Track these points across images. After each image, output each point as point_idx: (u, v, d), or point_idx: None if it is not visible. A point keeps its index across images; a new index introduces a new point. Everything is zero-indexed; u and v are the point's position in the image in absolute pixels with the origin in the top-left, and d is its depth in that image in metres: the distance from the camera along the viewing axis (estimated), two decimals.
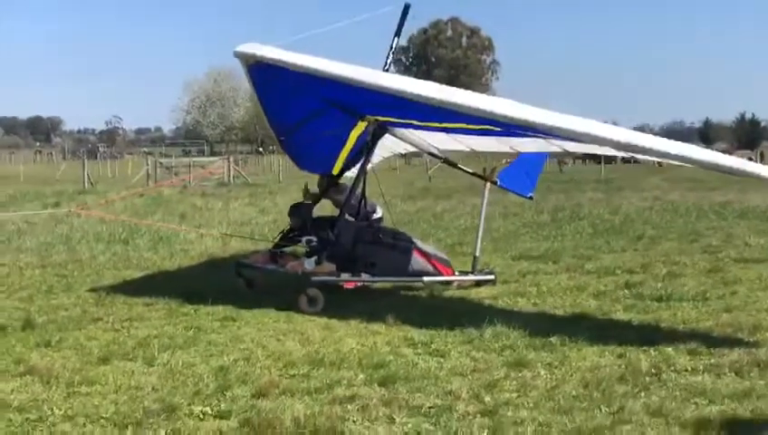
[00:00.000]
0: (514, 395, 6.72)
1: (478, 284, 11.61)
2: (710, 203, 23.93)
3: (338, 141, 11.95)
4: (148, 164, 44.25)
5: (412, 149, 13.58)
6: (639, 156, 10.26)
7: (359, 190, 11.71)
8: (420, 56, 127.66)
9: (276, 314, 9.87)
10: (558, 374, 7.29)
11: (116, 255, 14.84)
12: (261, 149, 79.05)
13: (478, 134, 10.76)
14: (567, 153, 12.12)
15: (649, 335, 8.53)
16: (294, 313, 9.88)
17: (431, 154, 13.36)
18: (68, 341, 8.58)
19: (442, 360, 7.84)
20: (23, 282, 12.11)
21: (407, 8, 10.71)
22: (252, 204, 26.64)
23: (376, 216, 12.91)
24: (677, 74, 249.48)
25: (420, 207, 24.64)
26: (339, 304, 10.10)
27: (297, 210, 11.75)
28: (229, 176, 41.29)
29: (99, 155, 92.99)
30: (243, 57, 9.20)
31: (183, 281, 12.14)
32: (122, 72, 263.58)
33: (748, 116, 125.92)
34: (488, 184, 12.36)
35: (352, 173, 12.22)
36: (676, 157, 8.21)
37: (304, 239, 11.08)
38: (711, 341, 8.23)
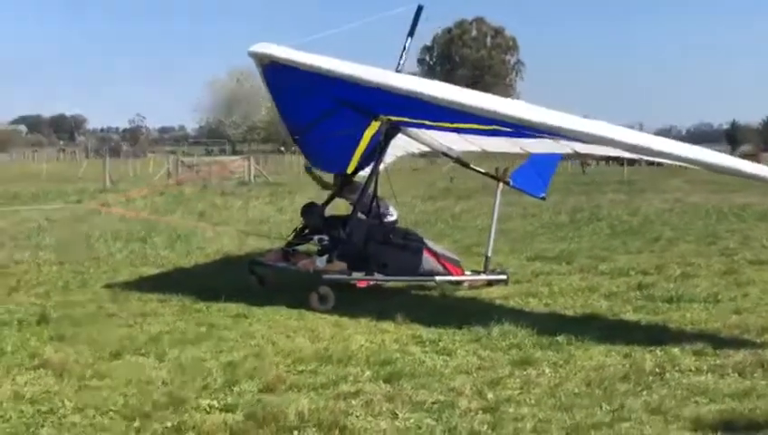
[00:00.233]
0: (517, 392, 6.80)
1: (490, 284, 11.66)
2: (730, 205, 23.85)
3: (352, 141, 12.05)
4: (168, 163, 44.60)
5: (425, 148, 13.64)
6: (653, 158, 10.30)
7: (371, 190, 11.78)
8: (444, 56, 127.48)
9: (288, 311, 9.98)
10: (562, 373, 7.35)
11: (133, 252, 15.02)
12: (283, 148, 79.25)
13: (489, 135, 10.82)
14: (577, 154, 12.15)
15: (657, 336, 8.57)
16: (306, 310, 9.98)
17: (444, 154, 13.43)
18: (82, 336, 8.72)
19: (448, 358, 7.92)
20: (40, 278, 12.28)
21: (420, 9, 10.79)
22: (271, 203, 26.80)
23: (391, 218, 12.96)
24: (706, 76, 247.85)
25: (439, 208, 24.72)
26: (350, 303, 10.19)
27: (309, 209, 11.86)
28: (250, 175, 41.52)
29: (121, 153, 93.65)
30: (257, 57, 9.32)
31: (198, 278, 12.28)
32: (147, 71, 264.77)
33: None
34: (501, 184, 12.43)
35: (366, 172, 12.31)
36: (678, 158, 8.27)
37: (316, 238, 11.19)
38: (718, 342, 8.25)
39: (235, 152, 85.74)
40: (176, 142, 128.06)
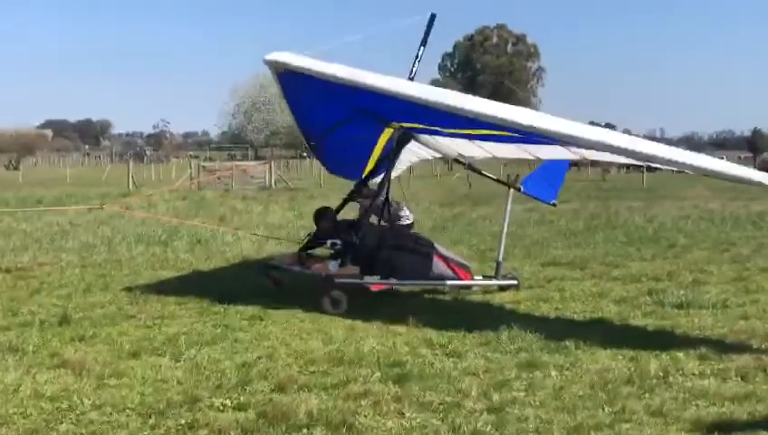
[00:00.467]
0: (522, 394, 6.98)
1: (502, 288, 11.83)
2: (748, 213, 23.89)
3: (367, 147, 12.25)
4: (191, 168, 45.01)
5: (438, 154, 13.82)
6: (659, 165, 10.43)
7: (383, 195, 11.97)
8: (466, 62, 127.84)
9: (303, 314, 10.18)
10: (568, 375, 7.51)
11: (154, 255, 15.28)
12: (305, 154, 79.61)
13: (499, 141, 10.99)
14: (591, 161, 12.30)
15: (664, 341, 8.72)
16: (320, 313, 10.19)
17: (455, 160, 13.60)
18: (101, 336, 8.96)
19: (458, 360, 8.10)
20: (63, 280, 12.55)
21: (433, 18, 10.95)
22: (291, 208, 27.01)
23: (407, 221, 13.17)
24: (729, 83, 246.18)
25: (457, 213, 24.87)
26: (363, 307, 10.38)
27: (322, 214, 12.07)
28: (270, 180, 41.84)
29: (145, 158, 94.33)
30: (272, 65, 9.53)
31: (217, 281, 12.52)
32: (171, 76, 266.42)
33: None
34: (511, 191, 12.60)
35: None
36: (683, 165, 8.43)
37: (329, 242, 11.39)
38: (723, 347, 8.39)
39: (257, 157, 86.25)
40: (199, 147, 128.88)
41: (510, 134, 9.70)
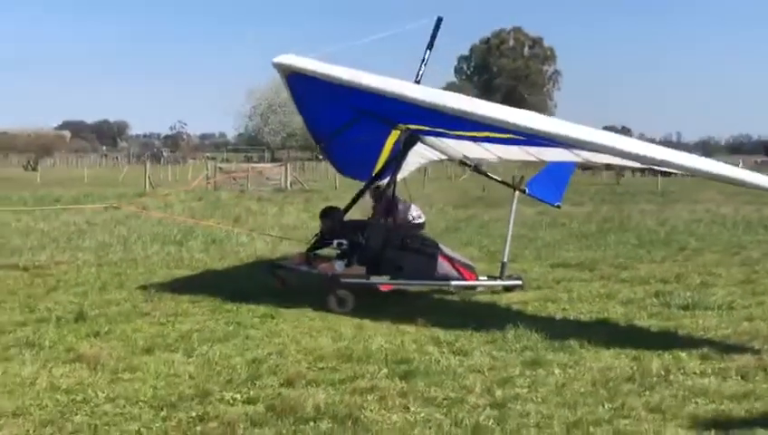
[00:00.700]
0: (525, 390, 7.15)
1: (507, 289, 11.99)
2: (760, 217, 23.99)
3: (375, 148, 12.42)
4: (207, 169, 45.31)
5: (444, 156, 13.95)
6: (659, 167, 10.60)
7: (388, 196, 12.11)
8: (482, 66, 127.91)
9: (313, 313, 10.36)
10: (571, 373, 7.67)
11: (169, 255, 15.50)
12: (320, 156, 79.82)
13: (504, 143, 11.14)
14: (591, 163, 12.42)
15: (667, 341, 8.88)
16: (330, 312, 10.36)
17: (461, 162, 13.71)
18: (116, 332, 9.17)
19: (463, 358, 8.26)
20: (79, 278, 12.77)
21: (439, 21, 11.06)
22: (306, 210, 27.20)
23: (419, 221, 13.33)
24: (746, 87, 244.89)
25: (470, 215, 25.03)
26: (373, 306, 10.56)
27: (327, 213, 12.25)
28: (286, 181, 42.08)
29: (162, 159, 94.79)
30: (280, 67, 9.69)
31: (230, 280, 12.72)
32: (189, 78, 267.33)
33: None
34: (516, 193, 12.75)
35: (399, 177, 12.67)
36: (683, 168, 8.61)
37: (335, 242, 11.55)
38: (725, 347, 8.54)
39: (273, 159, 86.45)
40: (216, 149, 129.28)
41: (513, 136, 9.85)
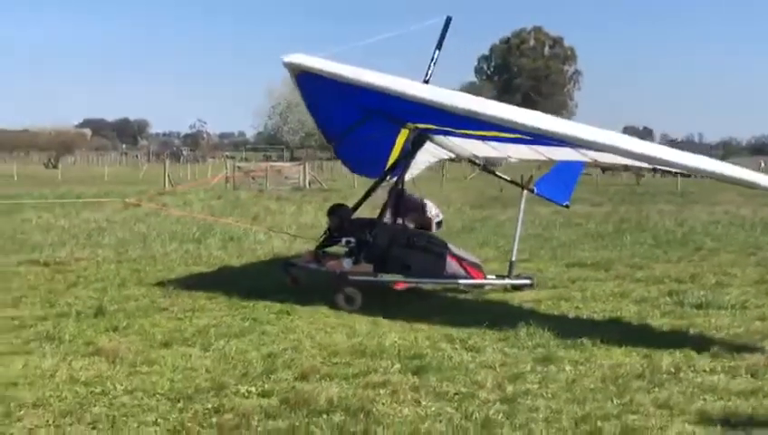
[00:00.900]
0: (535, 386, 7.25)
1: (515, 288, 12.08)
2: None
3: (386, 146, 12.50)
4: (226, 168, 45.57)
5: (452, 155, 14.01)
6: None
7: (396, 195, 12.20)
8: (502, 65, 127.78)
9: (328, 309, 10.47)
10: (581, 370, 7.77)
11: (188, 252, 15.67)
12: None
13: (511, 142, 11.21)
14: (603, 164, 12.48)
15: (679, 339, 8.95)
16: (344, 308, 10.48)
17: (470, 161, 13.73)
18: (134, 327, 9.33)
19: (476, 354, 8.37)
20: (99, 274, 12.95)
21: (448, 21, 11.11)
22: (323, 209, 27.25)
23: (437, 219, 13.42)
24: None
25: (487, 215, 25.10)
26: (388, 304, 10.68)
27: (335, 211, 12.35)
28: (304, 181, 42.26)
29: (182, 158, 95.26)
30: (290, 67, 9.78)
31: (247, 277, 12.84)
32: (209, 77, 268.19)
33: None
34: (525, 192, 12.82)
35: (409, 174, 12.77)
36: (687, 168, 8.74)
37: (343, 240, 11.65)
38: (737, 346, 8.60)
39: (293, 158, 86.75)
40: (235, 148, 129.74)
41: (520, 136, 9.94)
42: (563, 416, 6.42)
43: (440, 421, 6.35)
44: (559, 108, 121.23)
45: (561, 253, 16.36)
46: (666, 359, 8.00)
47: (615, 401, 6.78)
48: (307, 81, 10.06)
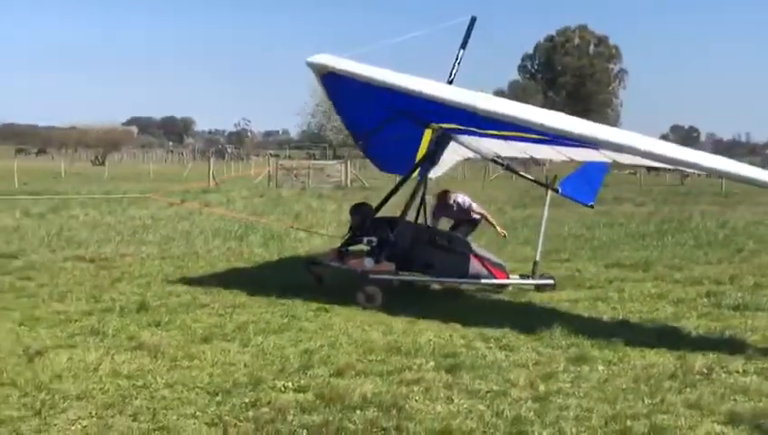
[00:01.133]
0: (568, 385, 7.33)
1: (538, 288, 12.14)
2: None
3: (413, 145, 12.58)
4: (269, 165, 45.92)
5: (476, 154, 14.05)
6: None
7: (419, 195, 12.33)
8: (546, 64, 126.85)
9: (365, 308, 10.62)
10: (614, 370, 7.84)
11: (230, 249, 15.92)
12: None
13: (533, 142, 11.28)
14: (618, 164, 12.41)
15: (714, 340, 8.99)
16: (382, 307, 10.62)
17: (493, 160, 13.74)
18: (176, 322, 9.55)
19: (510, 353, 8.46)
20: (143, 270, 13.22)
21: (473, 21, 11.15)
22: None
23: (477, 216, 13.54)
24: None
25: (528, 215, 25.03)
26: (425, 303, 10.83)
27: (357, 209, 12.46)
28: (346, 179, 42.48)
29: (226, 156, 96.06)
30: (314, 67, 9.90)
31: (287, 275, 13.01)
32: (253, 76, 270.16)
33: None
34: (549, 192, 12.84)
35: (433, 173, 12.86)
36: (703, 168, 8.78)
37: (365, 239, 11.72)
38: None
39: (335, 157, 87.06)
40: (279, 146, 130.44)
41: (541, 137, 10.00)
42: (594, 415, 6.50)
43: (471, 418, 6.45)
44: (603, 106, 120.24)
45: (601, 253, 16.36)
46: (699, 360, 8.02)
47: (646, 401, 6.85)
48: (332, 81, 10.17)
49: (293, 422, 6.30)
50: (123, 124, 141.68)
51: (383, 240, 11.52)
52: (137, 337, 8.75)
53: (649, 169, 52.42)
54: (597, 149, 10.20)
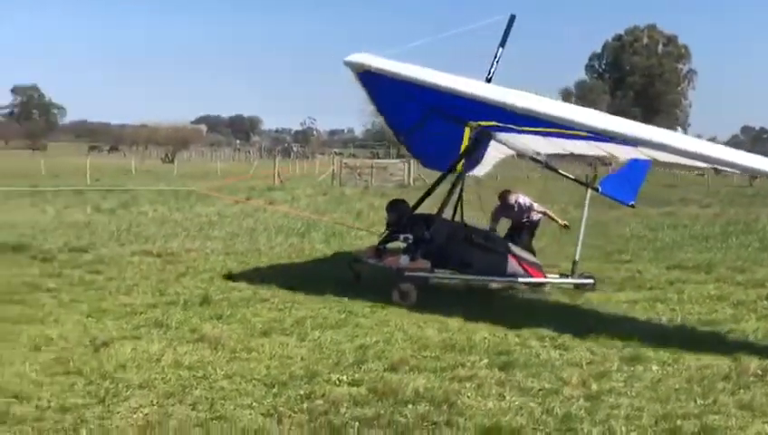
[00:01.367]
0: (620, 385, 7.38)
1: (577, 287, 12.13)
2: None
3: (455, 141, 12.65)
4: (333, 164, 46.28)
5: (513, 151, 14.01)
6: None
7: (456, 193, 12.37)
8: (614, 63, 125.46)
9: (423, 305, 10.71)
10: (668, 370, 7.86)
11: (292, 246, 16.18)
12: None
13: (571, 138, 11.26)
14: (657, 161, 12.25)
15: None
16: (437, 304, 10.66)
17: (532, 158, 13.59)
18: (237, 316, 9.79)
19: (564, 352, 8.52)
20: (207, 266, 13.51)
21: (512, 19, 11.16)
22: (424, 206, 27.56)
23: (535, 217, 13.55)
24: None
25: (589, 215, 24.82)
26: (481, 302, 10.90)
27: (394, 207, 12.52)
28: (409, 177, 42.60)
29: (292, 154, 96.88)
30: (351, 66, 10.02)
31: (346, 271, 13.12)
32: (319, 74, 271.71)
33: None
34: (589, 191, 12.78)
35: (477, 171, 12.86)
36: (744, 169, 8.74)
37: (402, 237, 11.76)
38: None
39: (399, 155, 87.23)
40: (344, 145, 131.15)
41: (578, 133, 10.00)
42: (644, 414, 6.53)
43: (521, 415, 6.53)
44: (671, 107, 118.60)
45: (663, 255, 16.24)
46: (754, 362, 7.99)
47: (698, 401, 6.86)
48: (369, 80, 10.28)
49: (346, 415, 6.44)
50: (192, 123, 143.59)
51: (419, 238, 11.57)
52: (198, 330, 8.99)
53: (717, 170, 51.72)
54: (635, 146, 10.19)
